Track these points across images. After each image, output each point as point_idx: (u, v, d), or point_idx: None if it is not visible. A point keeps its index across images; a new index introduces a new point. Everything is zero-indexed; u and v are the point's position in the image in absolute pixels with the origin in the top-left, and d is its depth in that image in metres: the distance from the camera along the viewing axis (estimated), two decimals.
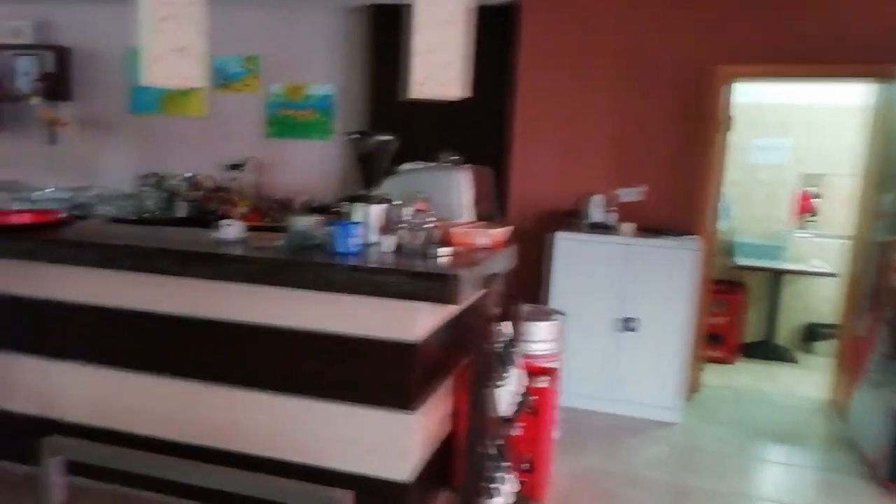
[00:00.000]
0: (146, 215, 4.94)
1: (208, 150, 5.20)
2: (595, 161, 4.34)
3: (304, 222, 2.69)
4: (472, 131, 4.62)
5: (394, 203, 2.83)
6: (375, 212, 2.80)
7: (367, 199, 2.86)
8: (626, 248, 3.89)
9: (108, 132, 5.31)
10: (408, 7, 2.50)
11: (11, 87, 5.30)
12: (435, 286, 2.16)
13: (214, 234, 2.70)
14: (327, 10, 4.94)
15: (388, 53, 4.72)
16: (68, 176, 5.32)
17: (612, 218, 4.20)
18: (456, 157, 3.29)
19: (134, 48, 5.33)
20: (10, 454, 2.94)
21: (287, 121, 5.10)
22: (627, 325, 3.89)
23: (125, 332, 2.72)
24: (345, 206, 2.99)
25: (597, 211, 4.22)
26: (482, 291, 2.49)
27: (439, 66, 2.32)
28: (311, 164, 5.13)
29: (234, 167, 5.14)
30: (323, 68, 5.01)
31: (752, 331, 5.54)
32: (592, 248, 3.95)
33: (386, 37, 4.72)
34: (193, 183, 5.05)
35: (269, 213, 4.96)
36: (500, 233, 2.85)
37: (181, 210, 4.90)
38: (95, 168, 5.34)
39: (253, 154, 5.13)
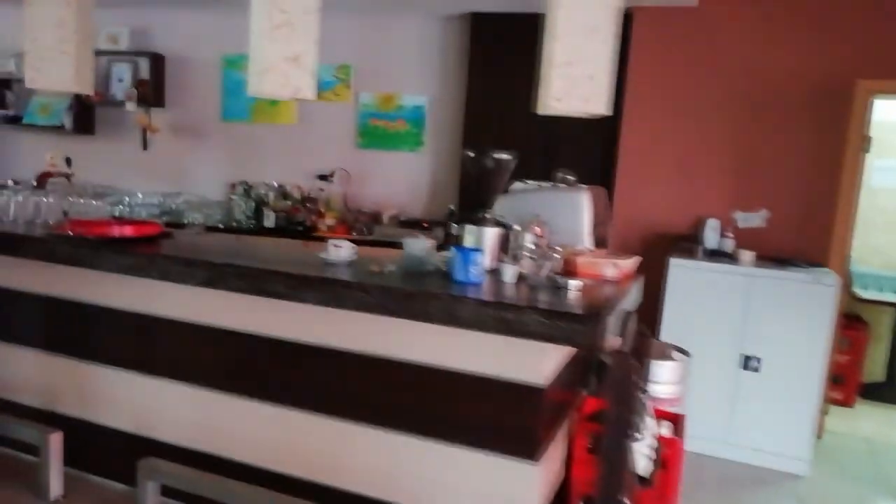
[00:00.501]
0: (234, 224, 4.88)
1: (297, 160, 5.11)
2: (710, 182, 4.00)
3: (418, 246, 2.50)
4: (572, 147, 4.36)
5: (511, 227, 2.61)
6: (491, 236, 2.58)
7: (481, 222, 2.64)
8: (750, 279, 3.53)
9: (198, 139, 5.30)
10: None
11: (107, 92, 5.36)
12: (577, 329, 1.91)
13: (323, 256, 2.53)
14: (422, 18, 4.77)
15: (487, 64, 4.52)
16: (159, 182, 5.33)
17: (728, 244, 3.85)
18: (572, 177, 3.04)
19: (229, 56, 5.38)
20: (106, 471, 2.85)
21: (377, 131, 4.95)
22: (749, 363, 3.53)
23: (229, 354, 2.59)
24: (456, 228, 2.78)
25: (712, 236, 3.88)
26: (617, 331, 2.22)
27: (581, 79, 2.08)
28: (400, 177, 4.97)
29: (323, 177, 5.03)
30: (415, 78, 4.85)
31: (872, 371, 5.04)
32: (709, 276, 3.61)
33: (485, 46, 4.51)
34: (282, 192, 4.96)
35: (356, 225, 4.82)
36: (629, 264, 2.58)
37: (269, 220, 4.81)
38: (185, 174, 5.34)
39: (342, 164, 5.01)
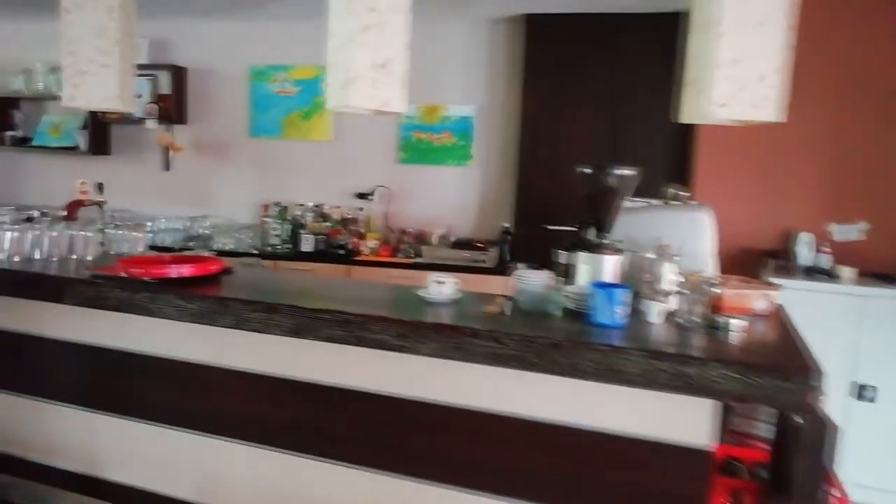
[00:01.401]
0: (269, 249, 4.51)
1: (333, 178, 4.74)
2: (801, 191, 3.68)
3: (534, 280, 2.14)
4: (640, 157, 4.02)
5: (640, 253, 2.26)
6: (611, 266, 2.23)
7: (595, 248, 2.29)
8: (860, 299, 3.20)
9: (225, 157, 4.93)
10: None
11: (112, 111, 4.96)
12: (782, 387, 1.56)
13: (423, 294, 2.18)
14: (468, 22, 4.44)
15: (546, 69, 4.19)
16: (182, 205, 4.95)
17: (824, 260, 3.53)
18: (685, 192, 2.70)
19: (257, 67, 4.99)
20: None
21: (420, 145, 4.60)
22: (863, 393, 3.20)
23: (314, 412, 2.22)
24: (564, 256, 2.43)
25: (805, 251, 3.56)
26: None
27: (751, 81, 1.74)
28: (445, 194, 4.62)
29: (362, 196, 4.67)
30: (462, 87, 4.51)
31: None
32: (810, 296, 3.28)
33: (543, 50, 4.18)
34: (320, 213, 4.60)
35: (401, 247, 4.46)
36: (775, 294, 2.24)
37: (307, 244, 4.44)
38: (211, 196, 4.96)
39: (382, 181, 4.65)
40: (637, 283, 2.15)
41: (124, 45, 2.58)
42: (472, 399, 2.01)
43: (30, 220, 2.92)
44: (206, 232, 4.73)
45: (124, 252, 2.92)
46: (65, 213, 3.12)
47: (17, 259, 2.65)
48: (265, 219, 4.60)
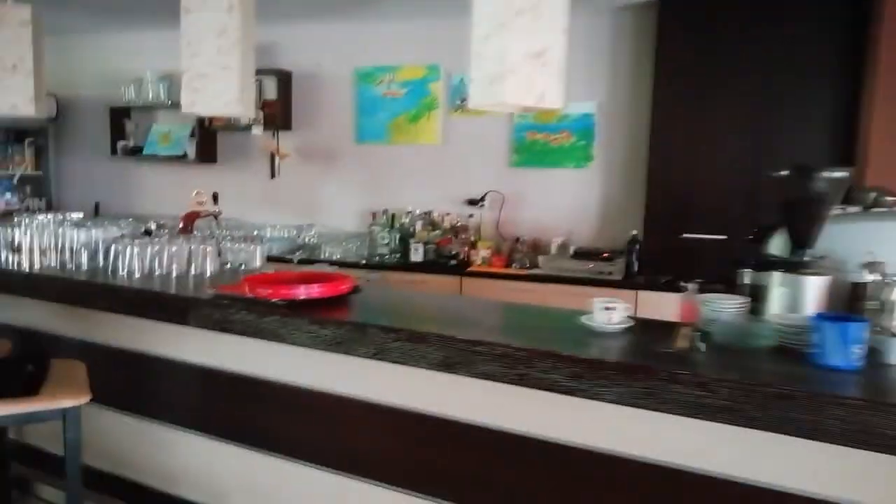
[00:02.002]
0: (377, 259, 4.31)
1: (442, 184, 4.50)
2: None
3: (730, 308, 1.78)
4: (793, 154, 3.54)
5: (851, 273, 1.86)
6: (816, 289, 1.84)
7: (795, 267, 1.90)
8: None
9: (331, 164, 4.78)
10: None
11: (232, 117, 4.91)
12: None
13: (587, 322, 1.85)
14: (588, 12, 4.08)
15: (683, 60, 3.77)
16: (288, 213, 4.83)
17: None
18: (891, 196, 2.25)
19: (362, 69, 4.80)
20: None
21: (536, 147, 4.28)
22: None
23: (467, 454, 1.94)
24: (748, 276, 2.04)
25: None
26: None
27: None
28: (563, 198, 4.27)
29: (473, 202, 4.39)
30: (581, 82, 4.15)
31: None
32: None
33: (679, 39, 3.76)
34: (429, 221, 4.36)
35: (515, 256, 4.15)
36: None
37: (417, 253, 4.21)
38: (317, 204, 4.82)
39: (493, 187, 4.36)
40: (848, 311, 1.75)
41: (244, 45, 2.40)
42: (663, 454, 1.67)
43: (148, 233, 2.81)
44: (313, 241, 4.60)
45: (242, 266, 2.76)
46: (181, 224, 3.00)
47: (137, 275, 2.53)
48: (373, 227, 4.41)
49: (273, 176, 4.84)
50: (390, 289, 2.49)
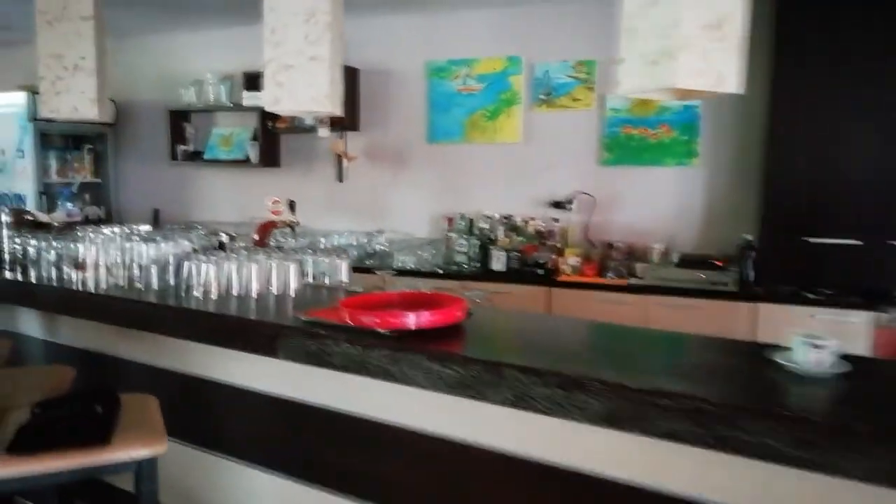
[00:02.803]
0: (454, 268, 3.96)
1: (524, 185, 4.12)
2: None
3: None
4: None
5: None
6: None
7: None
8: None
9: (401, 166, 4.46)
10: None
11: (296, 118, 4.64)
12: None
13: (781, 360, 1.46)
14: None
15: (803, 41, 3.31)
16: (356, 218, 4.53)
17: None
18: None
19: (434, 62, 4.39)
20: None
21: (631, 142, 3.87)
22: None
23: None
24: None
25: None
26: None
27: None
28: (663, 200, 3.85)
29: (559, 205, 4.01)
30: None
31: None
32: None
33: (803, 19, 3.30)
34: (512, 227, 3.99)
35: (609, 264, 3.75)
36: None
37: (499, 262, 3.85)
38: (387, 209, 4.51)
39: (582, 188, 3.97)
40: None
41: (334, 30, 2.07)
42: None
43: (221, 246, 2.52)
44: (384, 248, 4.28)
45: (325, 280, 2.44)
46: (255, 236, 2.71)
47: (213, 296, 2.23)
48: (449, 234, 4.06)
49: (340, 179, 4.54)
50: (503, 311, 2.13)
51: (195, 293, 2.23)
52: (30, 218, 2.78)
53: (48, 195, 4.85)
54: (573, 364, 1.51)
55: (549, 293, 3.69)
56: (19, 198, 4.78)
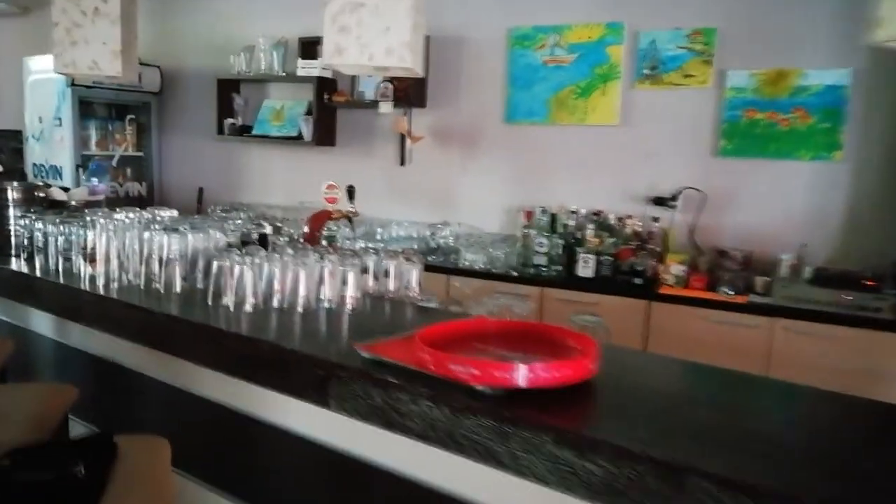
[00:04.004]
0: (531, 272, 3.38)
1: (619, 177, 3.50)
2: None
3: None
4: None
5: None
6: None
7: None
8: None
9: (473, 149, 3.89)
10: None
11: (354, 90, 4.12)
12: None
13: None
14: None
15: None
16: (419, 207, 4.00)
17: None
18: None
19: (519, 29, 3.66)
20: None
21: (756, 129, 3.20)
22: None
23: None
24: None
25: None
26: None
27: None
28: (794, 200, 3.17)
29: (660, 202, 3.38)
30: (826, 43, 3.04)
31: None
32: None
33: None
34: (603, 226, 3.38)
35: (720, 275, 3.11)
36: None
37: (587, 266, 3.24)
38: (455, 198, 3.95)
39: (691, 182, 3.32)
40: None
41: None
42: None
43: (262, 240, 2.00)
44: (449, 243, 3.73)
45: (391, 293, 1.90)
46: (305, 229, 2.19)
47: (248, 308, 1.72)
48: (527, 230, 3.48)
49: (402, 163, 4.00)
50: (637, 352, 1.55)
51: (226, 301, 1.73)
52: (41, 195, 2.32)
53: (86, 168, 4.47)
54: (801, 472, 0.93)
55: (649, 308, 3.07)
56: (56, 170, 4.41)
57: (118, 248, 1.90)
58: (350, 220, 2.29)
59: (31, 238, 2.13)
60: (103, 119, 4.68)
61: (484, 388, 1.17)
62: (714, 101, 3.27)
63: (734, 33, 3.20)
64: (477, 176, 3.88)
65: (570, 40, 3.55)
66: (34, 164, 4.53)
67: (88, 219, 1.97)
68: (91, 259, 1.95)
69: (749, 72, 3.18)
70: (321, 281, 1.79)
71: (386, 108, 3.87)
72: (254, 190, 4.62)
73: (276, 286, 1.75)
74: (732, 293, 3.02)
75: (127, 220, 1.96)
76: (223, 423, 1.78)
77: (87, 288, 1.88)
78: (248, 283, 1.72)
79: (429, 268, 3.47)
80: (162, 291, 1.85)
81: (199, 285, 1.89)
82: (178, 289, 1.86)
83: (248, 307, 1.71)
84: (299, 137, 4.21)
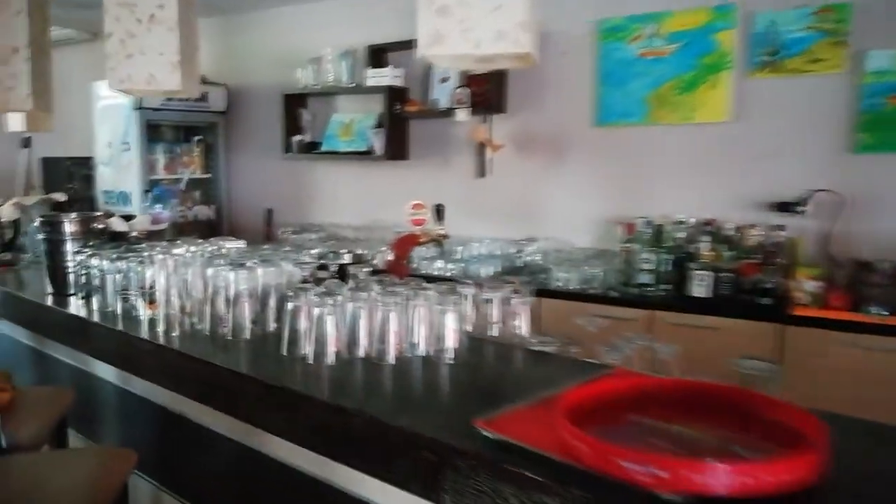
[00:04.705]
0: (634, 291, 2.98)
1: (733, 181, 3.06)
2: None
3: None
4: None
5: None
6: None
7: None
8: None
9: (559, 157, 3.52)
10: None
11: (426, 98, 3.83)
12: None
13: None
14: None
15: None
16: (500, 222, 3.66)
17: None
18: None
19: (609, 21, 3.11)
20: None
21: None
22: None
23: None
24: None
25: None
26: None
27: None
28: None
29: (785, 207, 2.92)
30: None
31: None
32: None
33: None
34: (719, 237, 2.95)
35: (864, 293, 2.63)
36: None
37: (701, 284, 2.82)
38: (541, 210, 3.59)
39: (823, 184, 2.85)
40: None
41: None
42: None
43: (342, 272, 1.71)
44: (536, 260, 3.37)
45: (504, 339, 1.57)
46: (390, 256, 1.89)
47: (330, 359, 1.42)
48: (628, 244, 3.08)
49: (481, 174, 3.67)
50: (867, 422, 1.14)
51: (303, 351, 1.43)
52: (100, 226, 2.11)
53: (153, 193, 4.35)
54: None
55: (782, 333, 2.62)
56: (124, 196, 4.31)
57: (179, 287, 1.65)
58: (440, 243, 1.98)
59: (87, 275, 1.91)
60: (170, 142, 4.57)
61: (672, 496, 0.81)
62: (849, 89, 2.80)
63: (874, 8, 2.73)
64: (565, 186, 3.51)
65: (670, 29, 3.14)
66: (103, 191, 4.45)
67: (147, 253, 1.72)
68: (150, 300, 1.71)
69: (894, 52, 2.69)
70: (414, 321, 1.47)
71: (462, 115, 3.56)
72: (323, 209, 4.39)
73: (362, 330, 1.45)
74: (886, 313, 2.54)
75: (188, 255, 1.70)
76: (304, 493, 1.48)
77: (146, 335, 1.62)
78: (328, 327, 1.42)
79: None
80: (230, 337, 1.57)
81: (272, 327, 1.61)
82: (247, 334, 1.59)
83: (329, 358, 1.41)
84: (370, 152, 3.96)
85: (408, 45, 3.87)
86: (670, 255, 2.97)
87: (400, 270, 1.79)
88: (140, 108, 4.17)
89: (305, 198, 4.50)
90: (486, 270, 3.31)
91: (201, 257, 1.71)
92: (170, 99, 4.25)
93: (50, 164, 4.99)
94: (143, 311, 1.74)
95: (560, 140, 3.50)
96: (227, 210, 4.78)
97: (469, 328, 1.56)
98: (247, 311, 1.60)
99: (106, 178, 4.44)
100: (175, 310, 1.66)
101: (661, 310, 2.87)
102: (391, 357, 1.42)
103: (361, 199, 4.20)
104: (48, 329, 2.07)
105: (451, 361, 1.42)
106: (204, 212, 4.64)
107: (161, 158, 4.45)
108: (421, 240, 1.93)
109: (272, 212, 4.57)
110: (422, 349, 1.46)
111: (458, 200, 3.75)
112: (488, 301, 1.58)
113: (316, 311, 1.42)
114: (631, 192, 3.30)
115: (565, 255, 3.30)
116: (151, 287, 1.69)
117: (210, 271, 1.61)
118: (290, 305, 1.45)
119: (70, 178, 4.79)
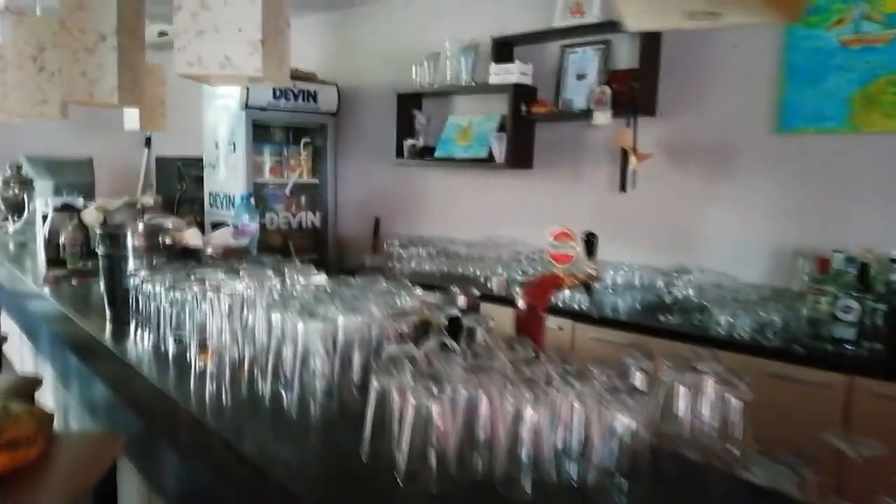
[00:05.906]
0: (827, 347, 2.27)
1: None
2: None
3: None
4: None
5: None
6: None
7: None
8: None
9: (724, 169, 2.86)
10: None
11: (558, 98, 3.29)
12: None
13: None
14: None
15: None
16: (647, 247, 3.04)
17: None
18: None
19: None
20: None
21: None
22: None
23: None
24: None
25: None
26: None
27: None
28: None
29: None
30: None
31: None
32: None
33: None
34: None
35: None
36: None
37: None
38: (696, 235, 2.94)
39: None
40: None
41: None
42: None
43: (456, 325, 1.21)
44: (690, 297, 2.72)
45: (700, 450, 1.01)
46: (523, 302, 1.37)
47: (432, 472, 0.92)
48: (819, 286, 2.37)
49: (623, 188, 3.06)
50: None
51: (394, 456, 0.94)
52: (168, 241, 1.74)
53: (260, 197, 4.09)
54: None
55: None
56: (229, 199, 4.08)
57: (234, 335, 1.21)
58: (589, 287, 1.44)
59: (141, 304, 1.53)
60: (278, 144, 4.31)
61: None
62: None
63: None
64: (730, 206, 2.83)
65: (887, 10, 2.41)
66: (210, 193, 4.26)
67: (195, 288, 1.31)
68: (202, 347, 1.29)
69: None
70: (561, 418, 0.94)
71: (602, 118, 2.98)
72: (435, 221, 3.95)
73: (482, 431, 0.94)
74: None
75: (250, 292, 1.27)
76: None
77: (192, 402, 1.20)
78: (430, 421, 0.93)
79: (660, 332, 2.54)
80: (294, 416, 1.11)
81: (355, 404, 1.13)
82: (316, 410, 1.12)
83: (431, 473, 0.91)
84: (489, 159, 3.46)
85: (540, 37, 3.35)
86: (880, 303, 2.23)
87: (536, 329, 1.26)
88: (247, 108, 3.92)
89: (416, 208, 4.08)
90: (623, 303, 2.73)
91: (268, 295, 1.27)
92: (277, 97, 3.98)
93: (163, 164, 4.90)
94: (196, 360, 1.33)
95: (725, 149, 2.83)
96: (333, 217, 4.46)
97: (643, 430, 1.01)
98: (318, 376, 1.13)
99: (212, 180, 4.24)
100: (227, 364, 1.23)
101: (867, 376, 2.15)
102: (527, 476, 0.90)
103: (478, 212, 3.71)
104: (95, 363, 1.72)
105: (625, 489, 0.88)
106: (309, 218, 4.34)
107: (268, 161, 4.19)
108: (566, 283, 1.40)
109: (379, 221, 4.19)
110: (573, 465, 0.93)
111: (591, 218, 3.18)
112: (679, 391, 1.02)
113: (412, 399, 0.92)
114: (823, 218, 2.58)
115: (729, 292, 2.63)
116: (203, 331, 1.27)
117: (275, 316, 1.17)
118: (375, 384, 0.97)
119: (181, 178, 4.66)
